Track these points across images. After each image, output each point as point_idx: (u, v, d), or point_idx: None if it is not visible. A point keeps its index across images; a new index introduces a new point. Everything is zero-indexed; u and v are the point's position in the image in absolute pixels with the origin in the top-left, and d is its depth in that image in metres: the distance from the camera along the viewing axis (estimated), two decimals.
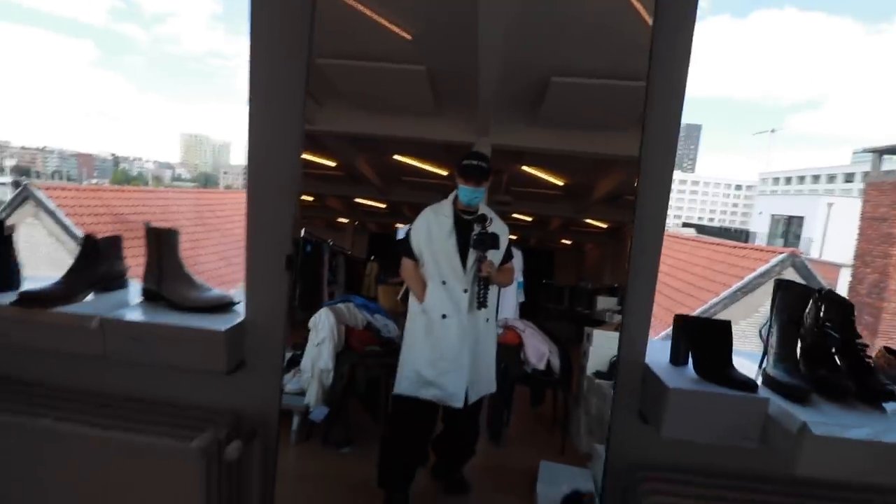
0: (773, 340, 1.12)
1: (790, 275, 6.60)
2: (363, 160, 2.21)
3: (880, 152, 7.36)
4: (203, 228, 9.94)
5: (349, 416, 1.36)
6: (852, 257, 7.53)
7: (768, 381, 1.07)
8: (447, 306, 1.33)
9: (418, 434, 1.35)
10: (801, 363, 1.08)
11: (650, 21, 1.08)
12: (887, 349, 1.23)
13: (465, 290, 1.31)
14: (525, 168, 1.84)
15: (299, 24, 1.14)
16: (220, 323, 1.20)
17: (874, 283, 6.99)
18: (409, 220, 1.39)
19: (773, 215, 15.16)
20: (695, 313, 6.27)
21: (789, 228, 14.37)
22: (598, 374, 1.88)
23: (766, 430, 1.00)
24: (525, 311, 1.95)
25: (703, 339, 1.14)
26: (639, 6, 1.17)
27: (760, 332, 1.18)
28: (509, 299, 1.76)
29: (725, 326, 1.13)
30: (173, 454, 1.12)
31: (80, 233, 7.46)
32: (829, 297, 1.10)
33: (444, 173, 1.44)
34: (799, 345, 1.10)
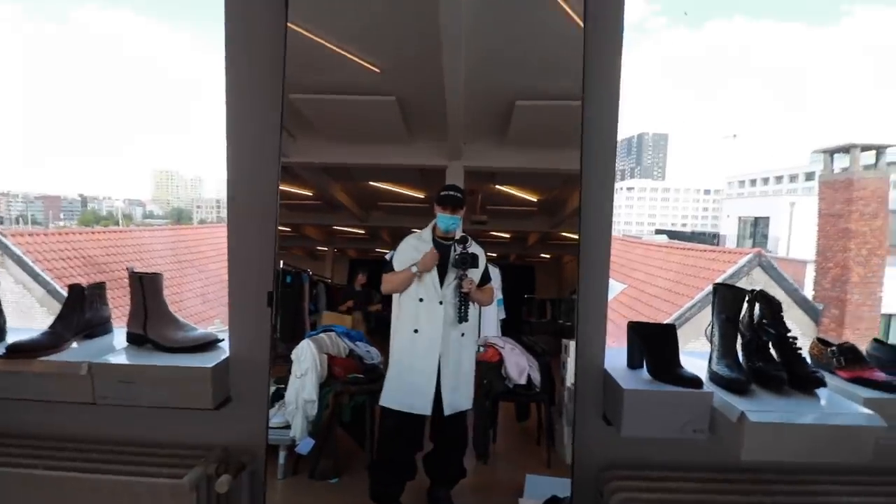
0: (716, 340, 1.24)
1: (758, 274, 6.85)
2: (339, 188, 2.23)
3: (830, 152, 7.74)
4: (179, 266, 9.72)
5: (336, 447, 1.37)
6: (814, 254, 7.85)
7: (713, 376, 1.20)
8: (420, 321, 1.40)
9: (403, 444, 1.39)
10: (742, 358, 1.20)
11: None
12: (820, 340, 1.37)
13: (441, 303, 1.38)
14: (498, 187, 1.89)
15: (273, 57, 1.18)
16: (206, 361, 1.23)
17: (836, 277, 7.29)
18: (387, 245, 1.44)
19: (740, 217, 15.67)
20: (672, 317, 6.43)
21: (756, 229, 14.86)
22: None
23: (714, 422, 1.11)
24: (506, 326, 1.96)
25: (653, 342, 1.26)
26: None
27: (706, 332, 1.29)
28: (490, 317, 1.80)
29: (670, 330, 1.27)
30: (165, 491, 1.13)
31: (48, 279, 7.24)
32: (761, 296, 1.23)
33: (421, 196, 1.49)
34: (739, 341, 1.22)
